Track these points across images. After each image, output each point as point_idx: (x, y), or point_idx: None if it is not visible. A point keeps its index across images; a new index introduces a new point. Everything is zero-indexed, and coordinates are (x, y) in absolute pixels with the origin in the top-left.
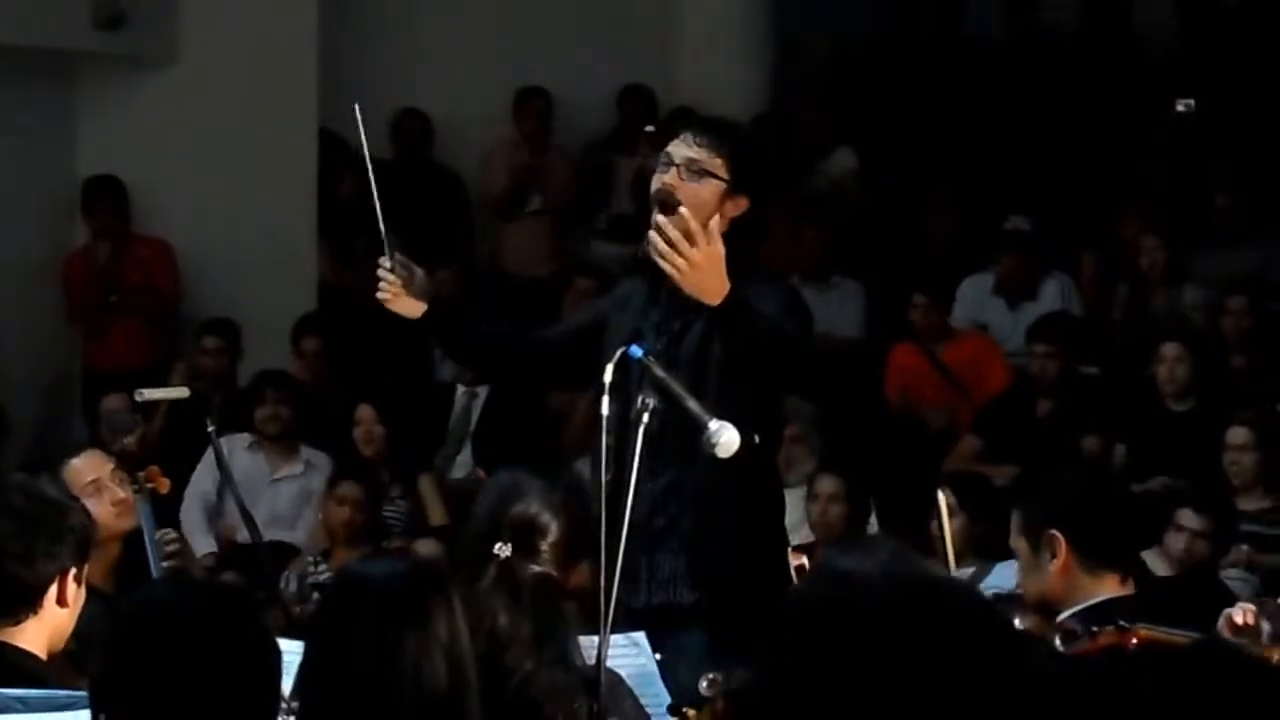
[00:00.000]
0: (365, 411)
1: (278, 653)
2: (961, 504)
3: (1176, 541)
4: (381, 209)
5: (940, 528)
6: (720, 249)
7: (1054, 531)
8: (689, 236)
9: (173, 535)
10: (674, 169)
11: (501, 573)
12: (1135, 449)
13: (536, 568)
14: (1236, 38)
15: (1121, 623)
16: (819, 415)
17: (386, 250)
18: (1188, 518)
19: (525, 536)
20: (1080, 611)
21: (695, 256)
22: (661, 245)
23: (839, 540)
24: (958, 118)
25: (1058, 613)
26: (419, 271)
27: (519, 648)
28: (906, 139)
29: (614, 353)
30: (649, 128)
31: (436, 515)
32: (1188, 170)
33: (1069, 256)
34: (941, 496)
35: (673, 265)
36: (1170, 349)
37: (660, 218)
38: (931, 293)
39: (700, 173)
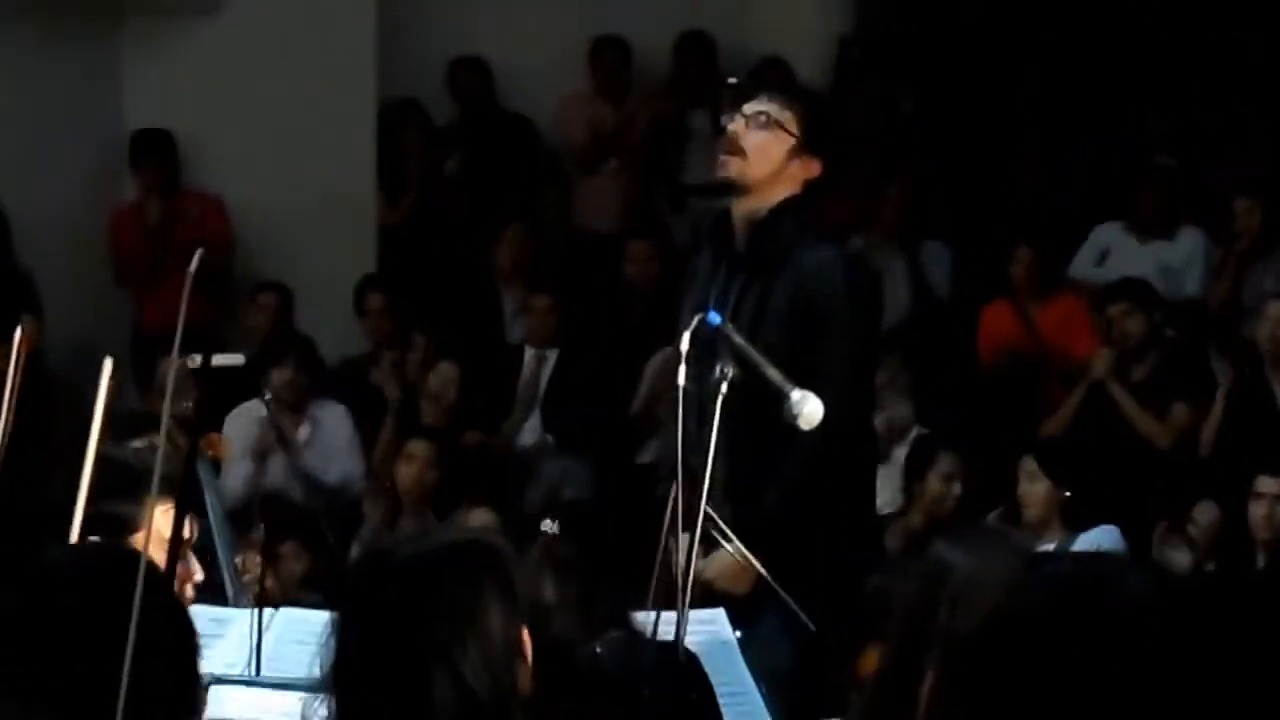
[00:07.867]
0: (449, 370)
1: (188, 625)
2: (1048, 472)
3: (1257, 510)
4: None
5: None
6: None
7: None
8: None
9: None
10: (741, 118)
11: (547, 549)
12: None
13: None
14: None
15: None
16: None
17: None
18: (1264, 483)
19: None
20: None
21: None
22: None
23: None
24: (1054, 61)
25: None
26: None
27: (566, 616)
28: (992, 88)
29: (688, 321)
30: (731, 80)
31: None
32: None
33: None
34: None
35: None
36: (1275, 308)
37: None
38: (1035, 245)
39: (769, 124)
